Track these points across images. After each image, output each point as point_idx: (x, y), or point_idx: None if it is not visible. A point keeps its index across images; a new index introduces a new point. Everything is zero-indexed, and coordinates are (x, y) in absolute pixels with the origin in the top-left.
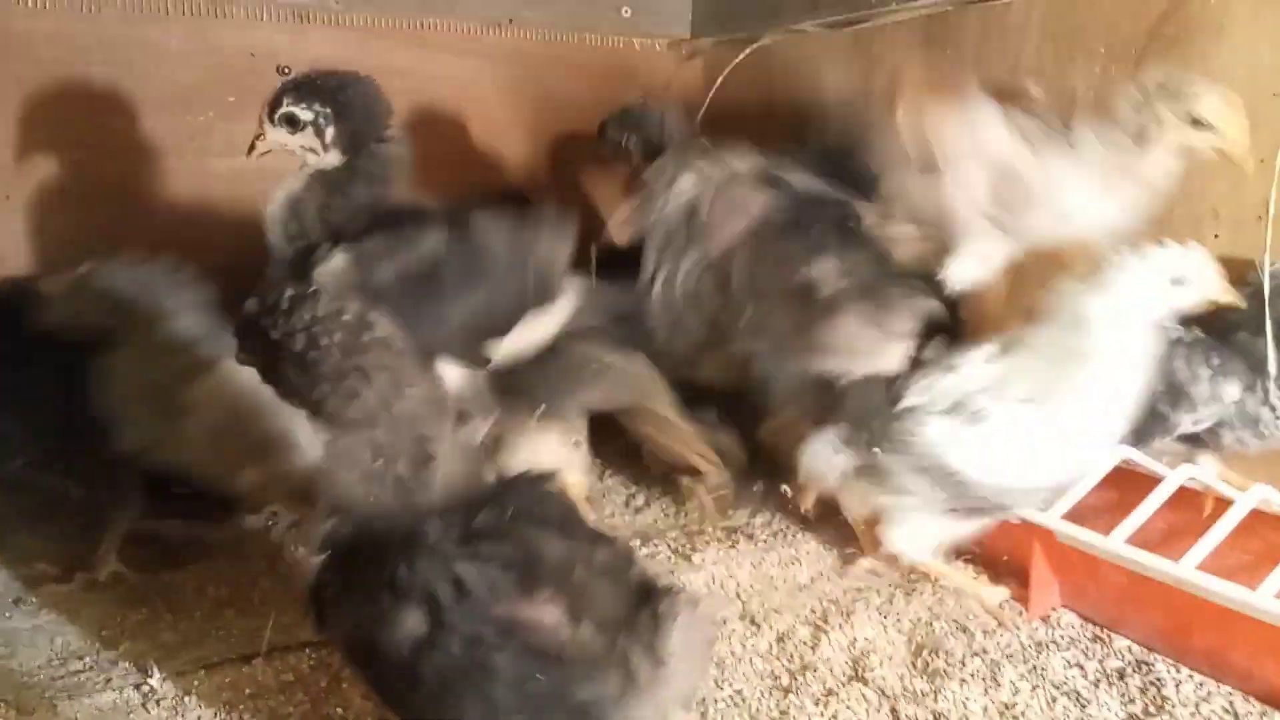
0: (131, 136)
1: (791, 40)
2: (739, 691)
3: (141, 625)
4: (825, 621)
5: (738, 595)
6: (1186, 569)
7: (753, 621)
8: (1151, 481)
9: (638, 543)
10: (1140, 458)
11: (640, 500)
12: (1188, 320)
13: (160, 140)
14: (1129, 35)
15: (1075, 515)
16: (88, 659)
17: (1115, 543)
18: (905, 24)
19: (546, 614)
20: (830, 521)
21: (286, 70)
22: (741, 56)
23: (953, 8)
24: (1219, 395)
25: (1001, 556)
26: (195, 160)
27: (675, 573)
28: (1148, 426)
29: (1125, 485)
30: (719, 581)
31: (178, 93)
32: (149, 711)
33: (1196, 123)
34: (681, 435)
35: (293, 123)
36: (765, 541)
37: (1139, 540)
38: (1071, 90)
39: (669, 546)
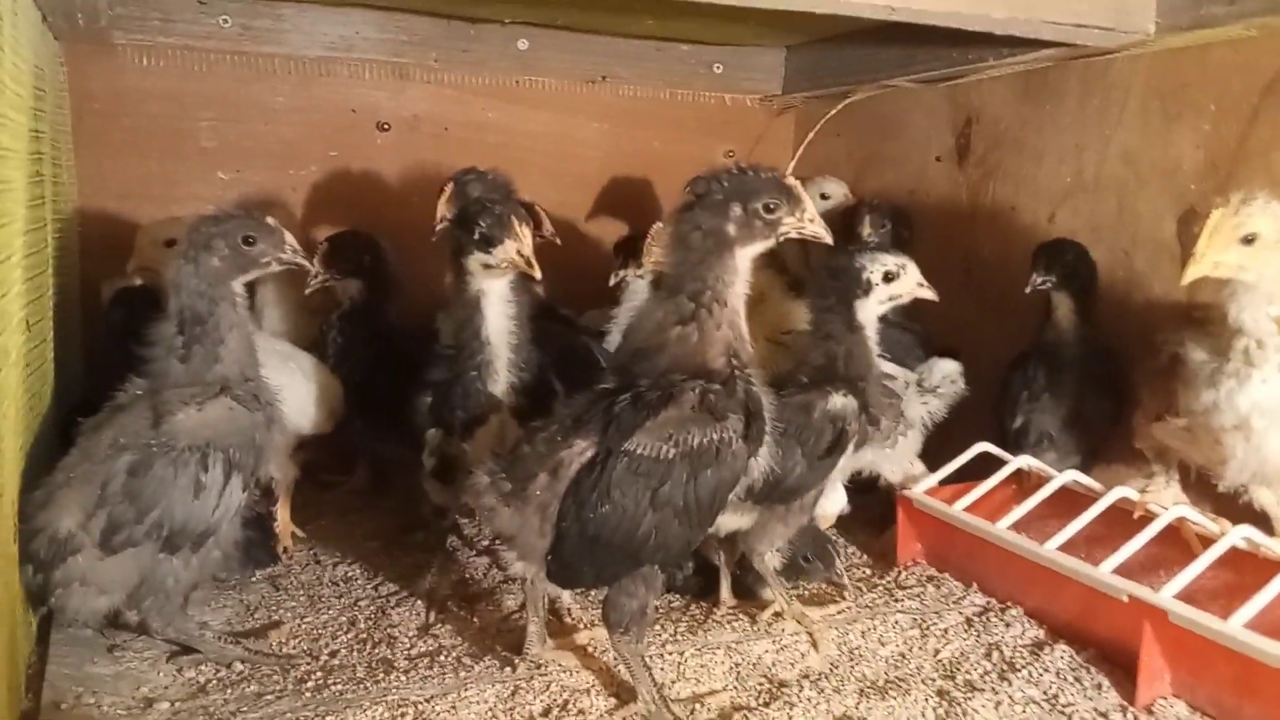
0: (237, 189)
1: (885, 95)
2: None
3: (226, 677)
4: (910, 697)
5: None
6: None
7: (836, 692)
8: (1273, 565)
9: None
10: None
11: None
12: None
13: (265, 193)
14: (1240, 92)
15: (1189, 596)
16: (168, 707)
17: (1234, 627)
18: (1002, 79)
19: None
20: (918, 594)
21: (386, 126)
22: (834, 111)
23: (1052, 63)
24: None
25: (1108, 637)
26: (297, 212)
27: (751, 642)
28: None
29: (1244, 567)
30: (799, 651)
31: (282, 148)
32: None
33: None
34: None
35: None
36: (849, 612)
37: (1260, 625)
38: (1178, 149)
39: (747, 615)
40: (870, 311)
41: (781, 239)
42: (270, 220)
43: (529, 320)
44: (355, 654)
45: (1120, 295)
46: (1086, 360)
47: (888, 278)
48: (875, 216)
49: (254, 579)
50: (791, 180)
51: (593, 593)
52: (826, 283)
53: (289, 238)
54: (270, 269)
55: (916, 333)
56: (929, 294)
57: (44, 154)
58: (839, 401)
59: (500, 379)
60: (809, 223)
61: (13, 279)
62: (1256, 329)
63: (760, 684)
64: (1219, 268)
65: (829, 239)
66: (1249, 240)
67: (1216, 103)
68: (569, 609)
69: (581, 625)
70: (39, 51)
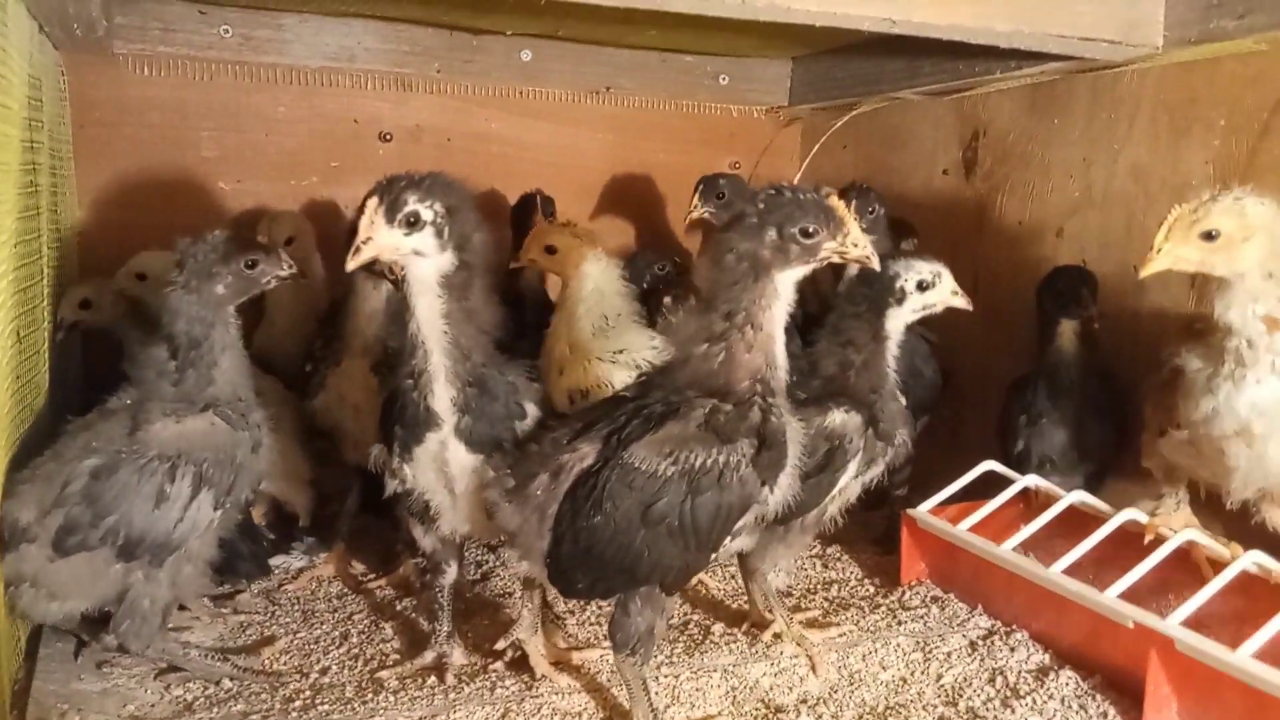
0: (239, 200)
1: (892, 107)
2: None
3: (213, 695)
4: None
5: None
6: None
7: (834, 718)
8: None
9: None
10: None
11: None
12: None
13: (266, 203)
14: (1252, 106)
15: (1198, 623)
16: None
17: (1242, 658)
18: (1009, 92)
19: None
20: (922, 615)
21: (388, 137)
22: (840, 123)
23: (1060, 76)
24: None
25: (1114, 664)
26: None
27: (748, 665)
28: None
29: (1255, 592)
30: (798, 675)
31: (283, 158)
32: None
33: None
34: None
35: (414, 223)
36: (850, 634)
37: (1270, 655)
38: (1187, 165)
39: (746, 637)
40: (900, 321)
41: (823, 263)
42: (260, 238)
43: (481, 331)
44: (346, 671)
45: (1129, 311)
46: (1086, 384)
47: (922, 286)
48: (862, 202)
49: (246, 591)
50: (834, 202)
51: (589, 610)
52: (857, 289)
53: (282, 253)
54: (269, 286)
55: (933, 343)
56: (963, 303)
57: (40, 164)
58: (838, 418)
59: (439, 393)
60: (853, 246)
61: None
62: (1245, 328)
63: (756, 709)
64: (1179, 262)
65: (875, 263)
66: (1210, 236)
67: (1226, 117)
68: (563, 620)
69: (576, 645)
70: (35, 61)
